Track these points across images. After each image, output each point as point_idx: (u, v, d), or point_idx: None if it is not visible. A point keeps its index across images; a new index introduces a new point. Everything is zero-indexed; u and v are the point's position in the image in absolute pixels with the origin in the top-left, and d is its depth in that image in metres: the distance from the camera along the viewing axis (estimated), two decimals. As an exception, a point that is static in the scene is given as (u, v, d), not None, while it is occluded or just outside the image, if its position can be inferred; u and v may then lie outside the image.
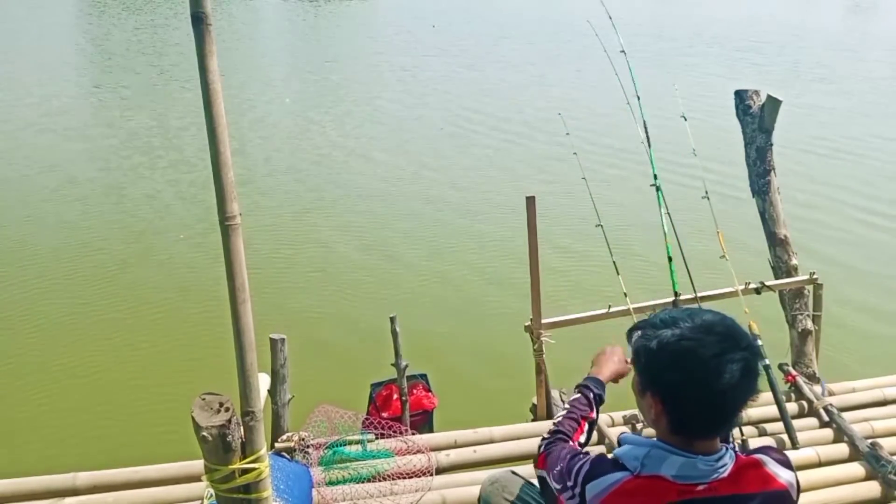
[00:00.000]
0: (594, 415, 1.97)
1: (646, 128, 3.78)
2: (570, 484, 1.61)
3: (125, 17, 21.90)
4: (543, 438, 1.88)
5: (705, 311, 1.58)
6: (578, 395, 1.99)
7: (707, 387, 1.47)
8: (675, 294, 3.65)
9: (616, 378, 2.08)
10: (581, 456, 1.68)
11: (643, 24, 22.85)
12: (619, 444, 1.64)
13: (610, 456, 1.64)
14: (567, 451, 1.74)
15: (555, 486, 1.68)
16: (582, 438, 1.91)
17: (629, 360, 1.65)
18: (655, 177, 3.68)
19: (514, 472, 2.23)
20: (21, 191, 8.15)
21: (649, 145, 3.75)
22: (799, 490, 1.63)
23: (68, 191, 8.18)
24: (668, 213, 3.68)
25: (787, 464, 1.62)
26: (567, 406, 1.97)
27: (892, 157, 10.38)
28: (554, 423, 1.92)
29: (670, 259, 3.58)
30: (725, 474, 1.52)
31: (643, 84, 3.86)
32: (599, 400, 1.99)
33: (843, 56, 19.17)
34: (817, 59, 18.37)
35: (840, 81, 15.65)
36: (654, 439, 1.58)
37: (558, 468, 1.68)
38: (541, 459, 1.83)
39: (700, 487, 1.50)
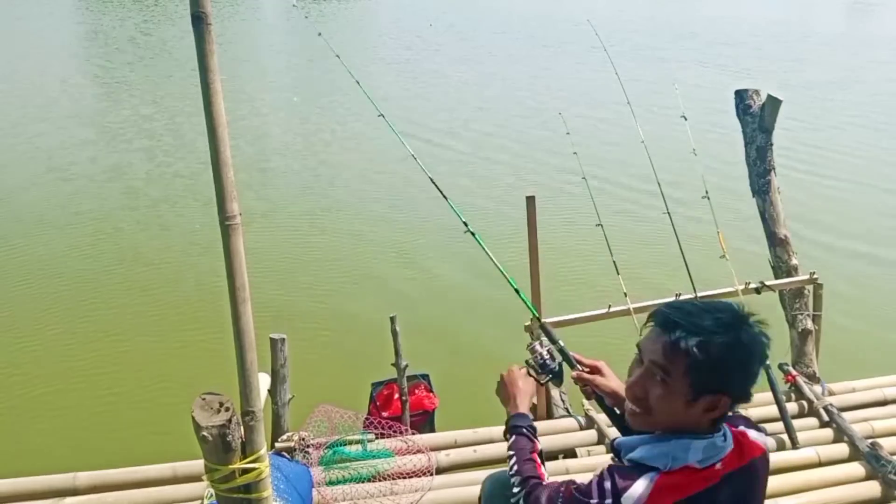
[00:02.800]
0: (539, 446, 1.96)
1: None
2: (594, 503, 1.55)
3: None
4: (514, 493, 1.83)
5: (709, 303, 1.62)
6: (514, 437, 1.97)
7: (756, 370, 1.58)
8: (677, 295, 3.66)
9: (531, 401, 2.08)
10: (571, 482, 1.66)
11: (650, 22, 22.87)
12: (619, 450, 1.63)
13: (626, 462, 1.62)
14: (554, 485, 1.72)
15: None
16: (544, 471, 1.90)
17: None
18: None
19: None
20: (21, 188, 8.16)
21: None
22: (769, 450, 1.71)
23: (68, 187, 8.20)
24: (668, 213, 3.68)
25: (759, 428, 1.71)
26: (513, 451, 1.94)
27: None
28: (514, 474, 1.88)
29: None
30: (732, 446, 1.59)
31: (644, 84, 3.85)
32: (533, 430, 1.98)
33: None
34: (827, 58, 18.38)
35: (848, 71, 15.65)
36: (663, 433, 1.59)
37: (561, 501, 1.63)
38: None
39: (717, 466, 1.55)
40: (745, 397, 1.58)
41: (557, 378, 2.22)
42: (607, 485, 1.56)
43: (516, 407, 2.05)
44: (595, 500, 1.55)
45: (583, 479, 1.65)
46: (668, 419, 1.59)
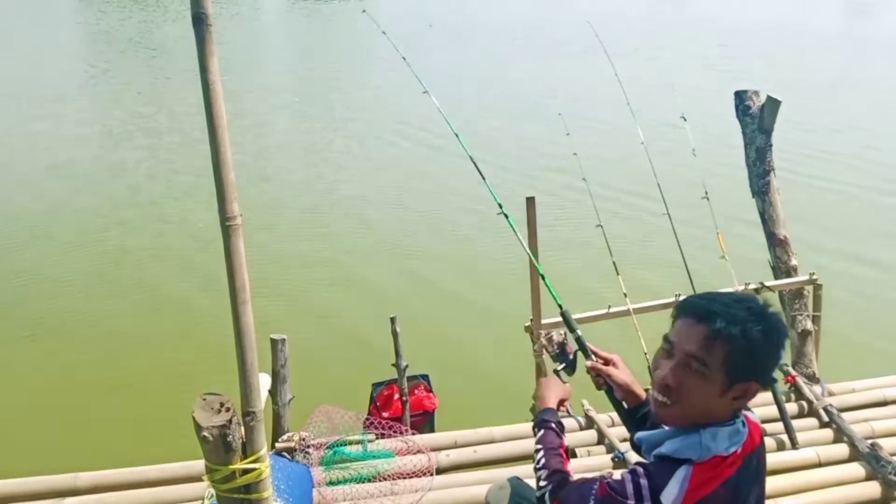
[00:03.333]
0: (566, 441, 1.98)
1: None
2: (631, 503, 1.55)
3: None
4: (541, 487, 1.82)
5: (734, 294, 1.67)
6: (542, 431, 1.97)
7: (779, 359, 1.64)
8: (676, 296, 3.66)
9: (561, 402, 2.10)
10: (604, 478, 1.64)
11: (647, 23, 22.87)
12: (642, 443, 1.64)
13: (652, 458, 1.62)
14: (586, 483, 1.70)
15: None
16: (570, 467, 1.91)
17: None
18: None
19: (518, 479, 2.23)
20: (22, 184, 8.16)
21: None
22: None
23: (68, 185, 8.20)
24: (668, 214, 3.68)
25: (748, 408, 1.74)
26: (540, 445, 1.94)
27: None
28: (541, 467, 1.87)
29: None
30: (748, 430, 1.63)
31: (644, 84, 3.86)
32: (561, 427, 1.99)
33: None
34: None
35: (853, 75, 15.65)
36: (688, 425, 1.60)
37: (594, 501, 1.61)
38: None
39: (739, 451, 1.59)
40: (769, 383, 1.64)
41: (570, 367, 2.23)
42: (643, 483, 1.55)
43: (545, 401, 2.05)
44: (632, 502, 1.54)
45: (615, 476, 1.65)
46: (698, 410, 1.59)
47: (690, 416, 1.60)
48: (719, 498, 1.54)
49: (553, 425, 1.97)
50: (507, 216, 2.79)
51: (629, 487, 1.56)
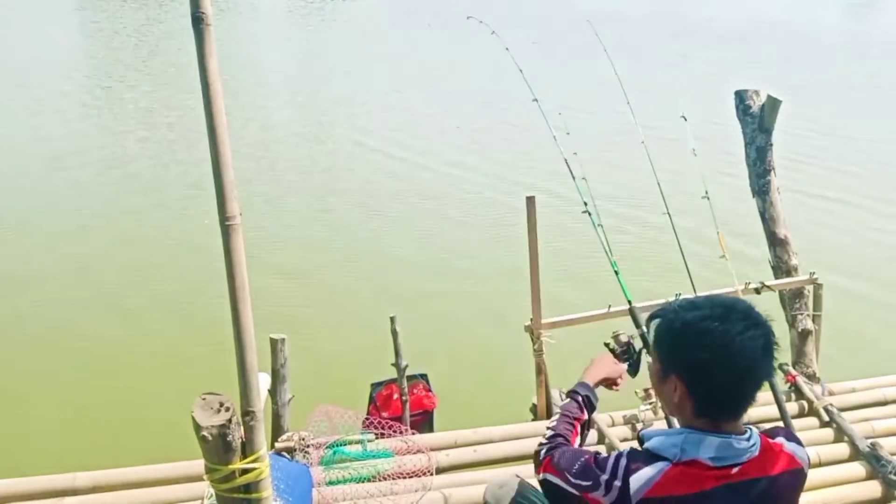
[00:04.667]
0: (586, 416, 1.99)
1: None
2: (605, 478, 1.60)
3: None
4: (541, 444, 1.88)
5: (720, 295, 1.70)
6: (568, 400, 2.02)
7: (732, 363, 1.52)
8: (677, 295, 3.65)
9: (607, 383, 2.11)
10: (597, 454, 1.70)
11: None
12: (643, 440, 1.66)
13: (640, 449, 1.66)
14: (579, 451, 1.77)
15: (578, 483, 1.66)
16: (577, 441, 1.93)
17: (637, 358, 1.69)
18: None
19: (518, 476, 2.23)
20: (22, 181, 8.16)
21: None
22: (809, 465, 1.71)
23: (68, 183, 8.20)
24: (668, 213, 3.68)
25: (800, 442, 1.71)
26: (559, 411, 1.99)
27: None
28: (549, 428, 1.93)
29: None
30: (756, 453, 1.58)
31: (644, 84, 3.86)
32: (589, 402, 2.00)
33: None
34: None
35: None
36: (682, 427, 1.61)
37: (578, 467, 1.68)
38: (546, 463, 1.80)
39: (734, 471, 1.55)
40: (716, 399, 1.57)
41: (633, 368, 2.23)
42: (622, 463, 1.60)
43: (585, 376, 2.09)
44: (606, 476, 1.60)
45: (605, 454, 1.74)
46: (669, 406, 1.67)
47: (672, 413, 1.67)
48: (688, 502, 1.54)
49: (580, 398, 2.00)
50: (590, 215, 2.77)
51: (610, 463, 1.62)
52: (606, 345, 2.27)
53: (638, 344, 2.20)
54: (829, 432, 3.58)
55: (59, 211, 7.61)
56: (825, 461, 3.37)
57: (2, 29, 18.78)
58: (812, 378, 3.94)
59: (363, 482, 3.09)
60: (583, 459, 1.68)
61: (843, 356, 4.99)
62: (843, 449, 3.45)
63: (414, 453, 3.28)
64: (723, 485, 1.54)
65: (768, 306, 4.05)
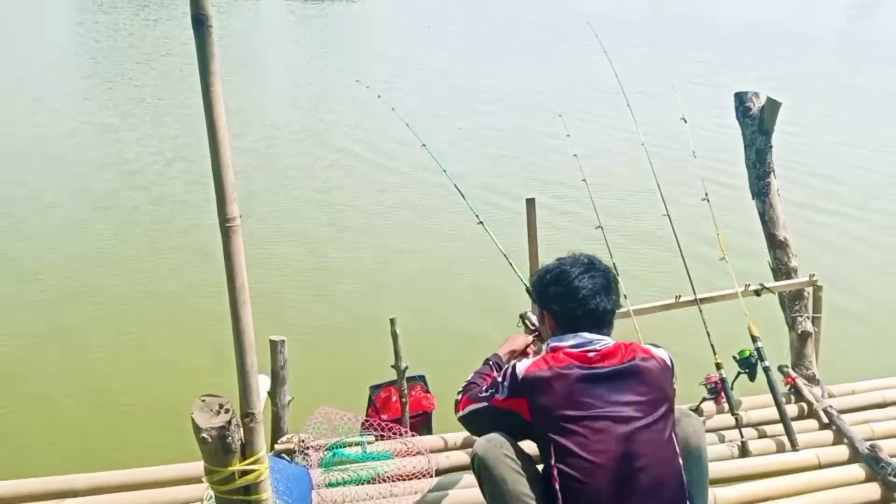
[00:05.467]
0: (495, 374, 2.43)
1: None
2: (499, 379, 2.24)
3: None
4: (458, 392, 2.45)
5: (581, 255, 2.36)
6: (483, 365, 2.61)
7: (578, 292, 2.25)
8: (676, 297, 3.66)
9: (513, 353, 2.69)
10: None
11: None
12: None
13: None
14: (484, 385, 2.34)
15: (487, 395, 2.27)
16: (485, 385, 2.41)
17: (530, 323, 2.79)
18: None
19: (505, 434, 2.33)
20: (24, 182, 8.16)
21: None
22: (674, 368, 2.27)
23: (68, 181, 8.19)
24: (668, 215, 3.68)
25: (660, 347, 2.29)
26: (474, 373, 2.54)
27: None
28: (466, 381, 2.49)
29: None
30: (611, 345, 2.21)
31: (644, 85, 3.86)
32: (498, 365, 2.57)
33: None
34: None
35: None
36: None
37: (483, 388, 2.31)
38: (463, 400, 2.39)
39: (591, 354, 2.18)
40: (570, 318, 2.26)
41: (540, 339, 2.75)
42: (512, 363, 2.27)
43: (500, 350, 2.71)
44: (500, 377, 2.26)
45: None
46: (547, 338, 2.36)
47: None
48: (552, 374, 2.14)
49: (490, 362, 2.61)
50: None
51: (505, 370, 2.26)
52: (521, 316, 3.02)
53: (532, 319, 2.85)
54: (828, 434, 3.57)
55: (59, 209, 7.61)
56: (825, 463, 3.36)
57: (2, 29, 18.79)
58: (812, 380, 3.93)
59: (363, 484, 3.09)
60: (486, 384, 2.31)
61: (843, 357, 4.99)
62: (842, 451, 3.44)
63: (413, 455, 3.27)
64: (584, 365, 2.15)
65: (768, 308, 4.09)
